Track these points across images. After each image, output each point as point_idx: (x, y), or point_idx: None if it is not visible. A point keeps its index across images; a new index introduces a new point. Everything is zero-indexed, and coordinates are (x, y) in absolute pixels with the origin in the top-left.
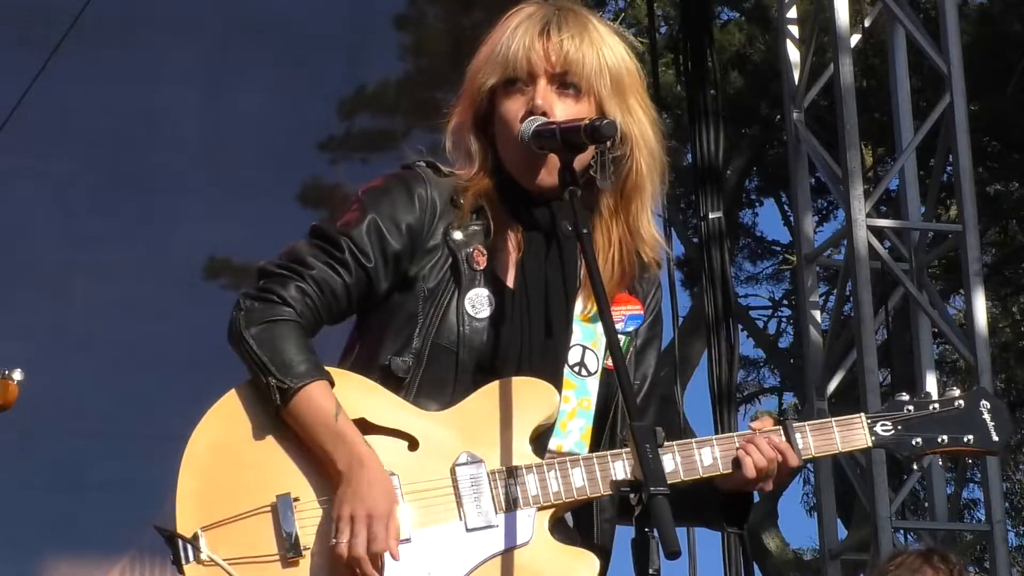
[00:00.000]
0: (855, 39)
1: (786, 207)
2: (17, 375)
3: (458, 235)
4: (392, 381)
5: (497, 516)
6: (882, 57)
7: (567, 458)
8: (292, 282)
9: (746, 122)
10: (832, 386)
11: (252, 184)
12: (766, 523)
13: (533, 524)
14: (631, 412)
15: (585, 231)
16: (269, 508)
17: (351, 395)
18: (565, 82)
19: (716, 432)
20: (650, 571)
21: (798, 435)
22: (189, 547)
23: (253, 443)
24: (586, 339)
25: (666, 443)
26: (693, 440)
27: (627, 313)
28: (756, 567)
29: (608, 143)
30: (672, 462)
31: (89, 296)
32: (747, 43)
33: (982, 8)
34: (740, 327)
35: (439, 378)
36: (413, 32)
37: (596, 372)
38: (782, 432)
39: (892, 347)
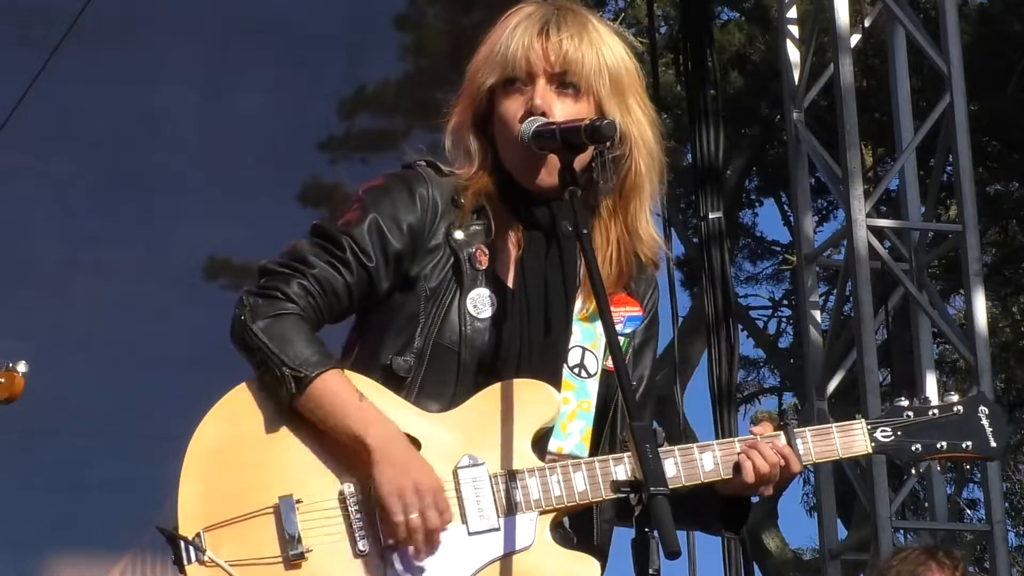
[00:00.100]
0: (855, 39)
1: (786, 207)
2: (22, 367)
3: (459, 235)
4: (393, 381)
5: (499, 519)
6: (882, 57)
7: (569, 462)
8: (294, 280)
9: (746, 122)
10: (832, 386)
11: (252, 184)
12: (766, 523)
13: (535, 528)
14: (631, 412)
15: (585, 231)
16: (271, 509)
17: None
18: (564, 82)
19: (716, 432)
20: (650, 571)
21: (799, 440)
22: (191, 548)
23: (255, 443)
24: (585, 340)
25: (668, 448)
26: (695, 445)
27: (626, 314)
28: (756, 567)
29: (608, 143)
30: (674, 467)
31: (89, 296)
32: (747, 43)
33: (982, 8)
34: (740, 327)
35: (441, 378)
36: (413, 32)
37: (596, 374)
38: (783, 437)
39: (892, 347)
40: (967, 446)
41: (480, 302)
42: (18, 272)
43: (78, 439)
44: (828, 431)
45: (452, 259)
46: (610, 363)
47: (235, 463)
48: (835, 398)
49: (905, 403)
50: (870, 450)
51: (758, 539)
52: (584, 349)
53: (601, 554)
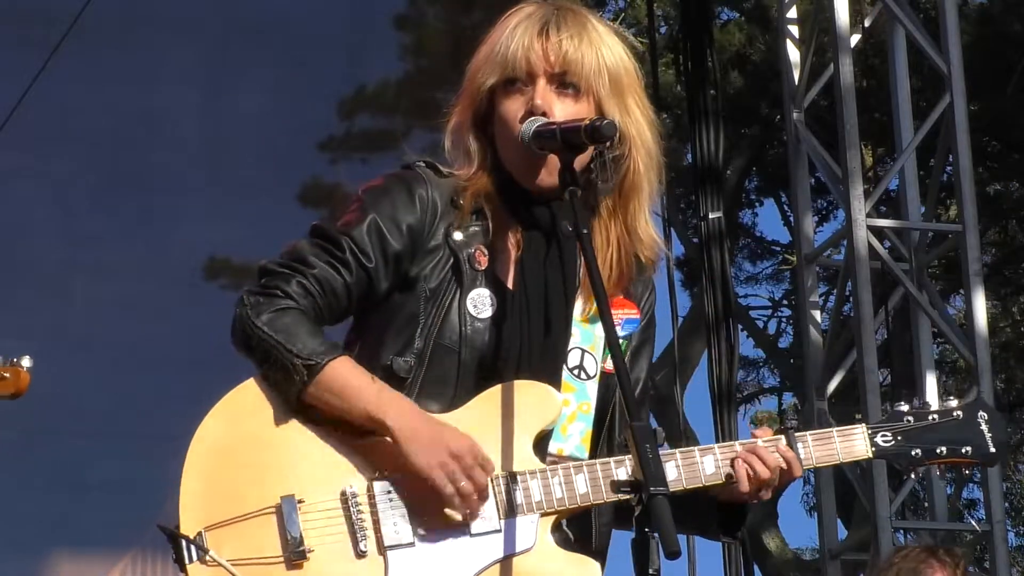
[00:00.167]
0: (855, 39)
1: (786, 207)
2: (26, 362)
3: (459, 235)
4: (394, 381)
5: (500, 521)
6: (882, 57)
7: (571, 464)
8: (294, 279)
9: (746, 122)
10: (832, 386)
11: (252, 184)
12: (766, 523)
13: (536, 530)
14: (631, 412)
15: (585, 231)
16: (273, 509)
17: None
18: (564, 82)
19: (716, 431)
20: (650, 571)
21: (800, 444)
22: (192, 547)
23: (256, 442)
24: (584, 342)
25: (669, 451)
26: (696, 448)
27: (624, 317)
28: (756, 567)
29: (607, 143)
30: (675, 470)
31: (89, 296)
32: (747, 43)
33: (982, 8)
34: (740, 327)
35: (441, 378)
36: (413, 32)
37: (595, 376)
38: (784, 441)
39: (892, 347)
40: (966, 451)
41: (480, 302)
42: (18, 272)
43: (78, 439)
44: (829, 435)
45: (451, 259)
46: (608, 365)
47: (237, 462)
48: (835, 398)
49: (905, 408)
50: (871, 455)
51: (758, 539)
52: (583, 351)
53: (600, 556)
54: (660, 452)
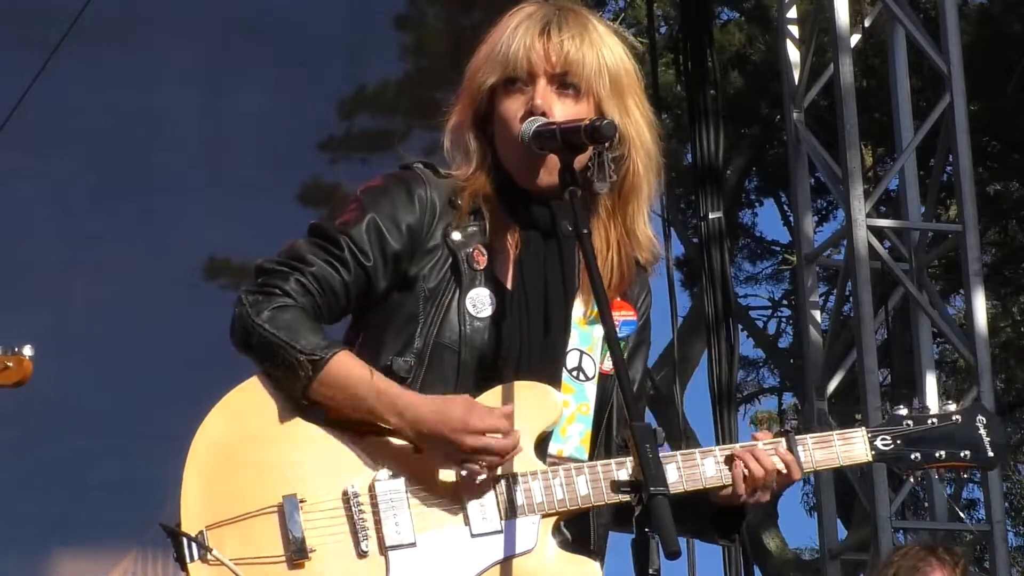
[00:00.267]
0: (855, 39)
1: (786, 207)
2: (27, 350)
3: (457, 235)
4: (394, 381)
5: (502, 522)
6: (882, 57)
7: (572, 465)
8: (292, 277)
9: (746, 122)
10: (832, 386)
11: (252, 184)
12: (766, 523)
13: (537, 531)
14: (631, 412)
15: (585, 231)
16: (275, 508)
17: None
18: (565, 82)
19: (716, 431)
20: (650, 571)
21: (800, 448)
22: (194, 545)
23: (258, 441)
24: (583, 343)
25: (670, 453)
26: (697, 450)
27: (621, 319)
28: (756, 567)
29: (607, 143)
30: (676, 472)
31: (89, 296)
32: (747, 43)
33: (982, 8)
34: (740, 327)
35: (441, 378)
36: (413, 32)
37: (593, 377)
38: (784, 443)
39: (892, 347)
40: (965, 455)
41: (479, 301)
42: (18, 272)
43: (78, 439)
44: (829, 439)
45: (450, 259)
46: (605, 366)
47: (238, 461)
48: (835, 398)
49: (904, 411)
50: (870, 458)
51: (758, 539)
52: (582, 352)
53: (597, 557)
54: (660, 454)
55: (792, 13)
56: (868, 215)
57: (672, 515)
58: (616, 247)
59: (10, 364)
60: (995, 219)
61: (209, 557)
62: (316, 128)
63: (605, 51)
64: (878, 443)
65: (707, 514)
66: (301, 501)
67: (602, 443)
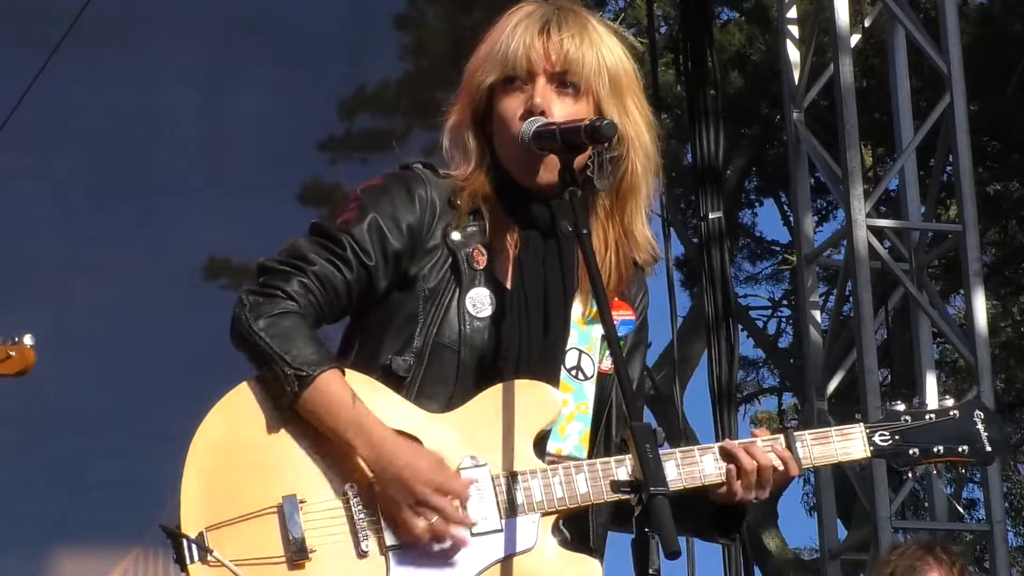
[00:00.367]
0: (855, 39)
1: (786, 207)
2: (28, 339)
3: (456, 235)
4: (393, 380)
5: (501, 521)
6: (882, 57)
7: (571, 463)
8: (294, 277)
9: (746, 122)
10: (832, 386)
11: (252, 184)
12: (766, 523)
13: (537, 529)
14: (631, 412)
15: (585, 231)
16: (275, 509)
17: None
18: (564, 81)
19: (716, 432)
20: (650, 571)
21: (798, 444)
22: (194, 546)
23: (258, 442)
24: (582, 343)
25: (668, 450)
26: (696, 448)
27: (619, 319)
28: (756, 567)
29: (606, 144)
30: (675, 470)
31: (89, 296)
32: (747, 43)
33: (982, 8)
34: (740, 327)
35: (441, 377)
36: (413, 32)
37: (592, 376)
38: (783, 440)
39: (892, 347)
40: (963, 450)
41: (479, 301)
42: (18, 272)
43: (78, 439)
44: (827, 435)
45: (450, 259)
46: (604, 365)
47: (238, 461)
48: (835, 398)
49: (902, 407)
50: (869, 454)
51: (758, 539)
52: (580, 352)
53: (597, 555)
54: (659, 452)
55: (792, 13)
56: (868, 215)
57: (672, 514)
58: (614, 247)
59: (12, 353)
60: (995, 219)
61: (209, 558)
62: (316, 128)
63: (604, 51)
64: (876, 439)
65: (707, 513)
66: (301, 501)
67: (601, 442)
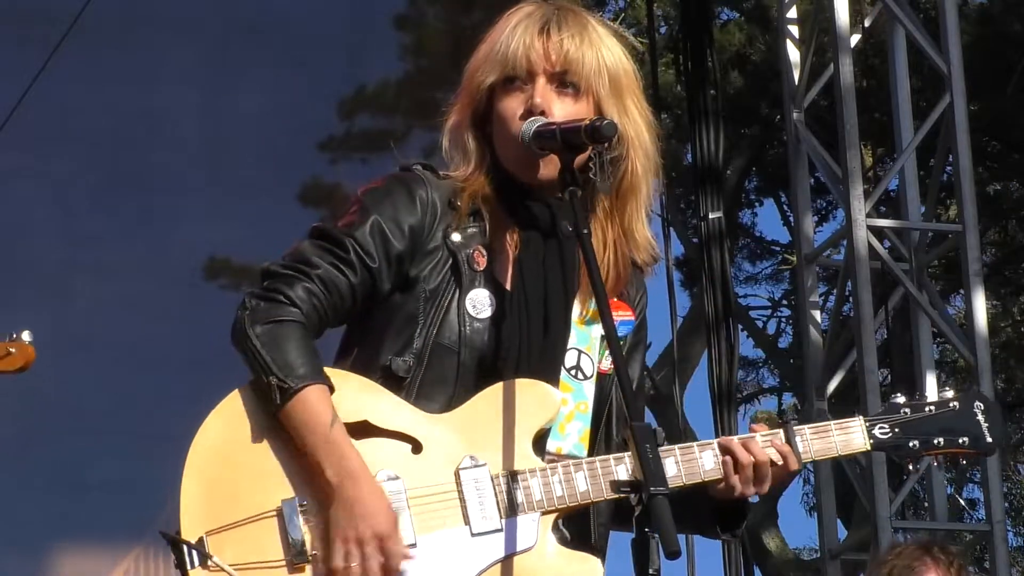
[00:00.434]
0: (855, 39)
1: (786, 207)
2: (26, 336)
3: (457, 237)
4: (393, 381)
5: (502, 520)
6: (882, 57)
7: (570, 462)
8: (299, 283)
9: (746, 122)
10: (832, 386)
11: (252, 184)
12: (766, 523)
13: (537, 529)
14: (631, 412)
15: (585, 231)
16: (274, 512)
17: (354, 396)
18: (564, 81)
19: (716, 432)
20: (650, 571)
21: (798, 438)
22: (194, 552)
23: (257, 446)
24: (581, 343)
25: (668, 446)
26: (695, 444)
27: (619, 319)
28: (756, 567)
29: (607, 144)
30: (674, 466)
31: (89, 296)
32: (747, 43)
33: (982, 8)
34: (740, 327)
35: (440, 378)
36: (413, 32)
37: (592, 376)
38: (782, 435)
39: (892, 347)
40: (963, 442)
41: (479, 302)
42: (18, 272)
43: (78, 439)
44: (827, 428)
45: (450, 260)
46: (603, 365)
47: (237, 466)
48: (835, 398)
49: (902, 400)
50: (868, 447)
51: (758, 539)
52: (580, 351)
53: (599, 554)
54: (659, 450)
55: (792, 13)
56: (868, 215)
57: (673, 512)
58: (613, 247)
59: (12, 350)
60: (995, 219)
61: (210, 563)
62: (316, 128)
63: (604, 51)
64: (876, 431)
65: (708, 510)
66: (300, 504)
67: (602, 441)
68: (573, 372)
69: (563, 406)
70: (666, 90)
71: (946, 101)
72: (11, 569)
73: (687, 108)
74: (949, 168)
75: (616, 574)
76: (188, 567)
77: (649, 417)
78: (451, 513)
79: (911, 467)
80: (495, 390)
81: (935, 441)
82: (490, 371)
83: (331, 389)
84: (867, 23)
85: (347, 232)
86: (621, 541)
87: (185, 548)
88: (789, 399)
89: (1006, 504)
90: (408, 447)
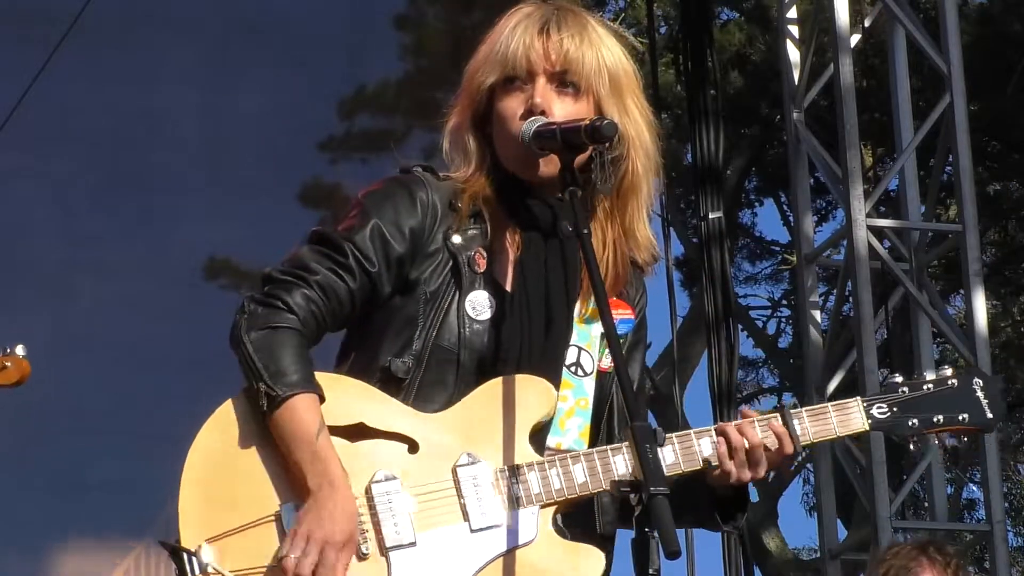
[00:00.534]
0: (855, 39)
1: (786, 207)
2: (20, 350)
3: (457, 239)
4: (392, 383)
5: (501, 516)
6: (882, 57)
7: (568, 455)
8: (298, 288)
9: (746, 122)
10: (832, 386)
11: (252, 184)
12: (766, 523)
13: (537, 522)
14: (631, 411)
15: (586, 231)
16: (273, 517)
17: (349, 399)
18: (564, 81)
19: None
20: (650, 571)
21: (795, 421)
22: (194, 559)
23: (254, 452)
24: (581, 341)
25: (665, 435)
26: (692, 431)
27: (618, 318)
28: (756, 567)
29: (607, 143)
30: (672, 454)
31: (89, 296)
32: (747, 43)
33: (982, 8)
34: (740, 327)
35: (440, 380)
36: (413, 32)
37: (592, 373)
38: (779, 418)
39: (892, 347)
40: (963, 418)
41: (479, 304)
42: (18, 272)
43: (78, 439)
44: (824, 410)
45: (451, 262)
46: (603, 364)
47: (234, 472)
48: (835, 398)
49: (900, 379)
50: (867, 427)
51: (758, 539)
52: (580, 349)
53: (609, 542)
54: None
55: (792, 13)
56: (868, 215)
57: (672, 505)
58: (613, 247)
59: (8, 364)
60: (995, 219)
61: (210, 571)
62: (316, 128)
63: (604, 51)
64: (874, 411)
65: (706, 500)
66: (298, 508)
67: (604, 439)
68: (573, 369)
69: (562, 402)
70: (666, 90)
71: (946, 101)
72: (11, 569)
73: (687, 108)
74: (949, 168)
75: (616, 574)
76: (189, 575)
77: (649, 417)
78: (450, 510)
79: (911, 446)
80: (490, 387)
81: (934, 419)
82: (490, 372)
83: (321, 398)
84: (867, 23)
85: (346, 237)
86: (621, 541)
87: (186, 557)
88: (789, 399)
89: (1006, 504)
90: (404, 447)
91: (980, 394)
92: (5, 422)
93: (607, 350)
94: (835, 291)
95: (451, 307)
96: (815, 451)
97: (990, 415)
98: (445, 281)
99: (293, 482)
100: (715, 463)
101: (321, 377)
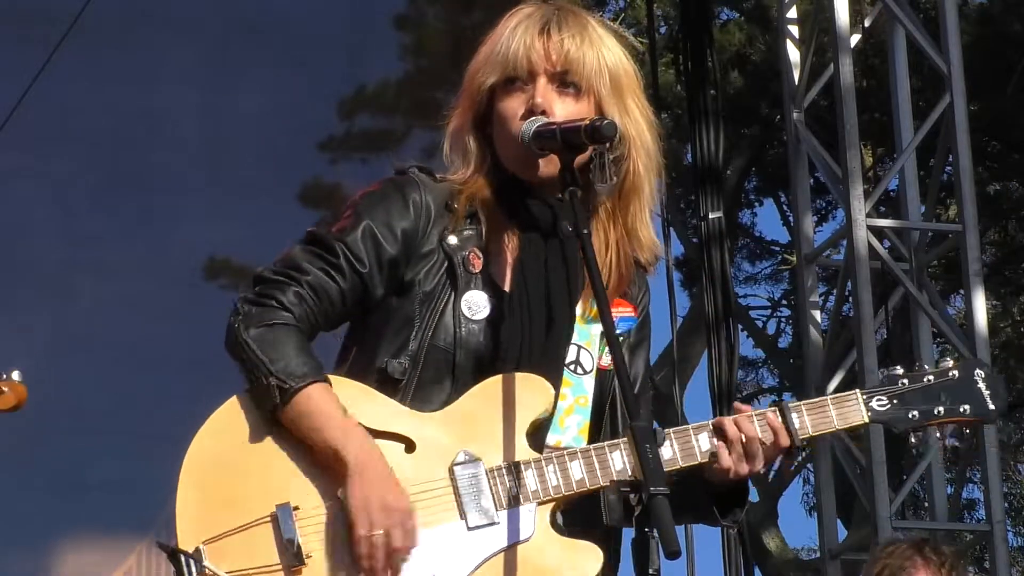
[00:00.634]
0: (855, 39)
1: (785, 207)
2: (16, 375)
3: (453, 239)
4: (389, 383)
5: (498, 513)
6: (882, 57)
7: (565, 451)
8: (290, 288)
9: (746, 122)
10: (832, 386)
11: (252, 184)
12: (766, 523)
13: (535, 519)
14: (630, 411)
15: (586, 231)
16: (269, 518)
17: (346, 400)
18: (565, 81)
19: None
20: (650, 571)
21: (794, 415)
22: (192, 562)
23: (250, 453)
24: (580, 339)
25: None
26: (690, 426)
27: (620, 316)
28: (756, 567)
29: (607, 144)
30: (670, 449)
31: (89, 296)
32: (747, 43)
33: (982, 8)
34: (740, 327)
35: (436, 380)
36: (413, 32)
37: (591, 371)
38: (778, 412)
39: (892, 347)
40: (965, 410)
41: (475, 304)
42: (18, 272)
43: (78, 439)
44: (823, 403)
45: (446, 263)
46: (603, 362)
47: (231, 474)
48: None
49: (900, 371)
50: (866, 419)
51: (758, 539)
52: (579, 347)
53: (615, 535)
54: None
55: (792, 13)
56: (868, 215)
57: (671, 501)
58: (615, 248)
59: (5, 389)
60: (995, 219)
61: (207, 572)
62: (316, 128)
63: (605, 51)
64: (874, 404)
65: (705, 495)
66: (295, 508)
67: (606, 436)
68: (572, 367)
69: (562, 400)
70: (666, 90)
71: (946, 101)
72: (12, 569)
73: (687, 108)
74: (949, 168)
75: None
76: None
77: None
78: (446, 509)
79: (912, 439)
80: (488, 385)
81: (935, 411)
82: (488, 372)
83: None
84: (867, 23)
85: (338, 237)
86: (621, 541)
87: (183, 558)
88: (789, 399)
89: (1006, 504)
90: (401, 447)
91: (982, 385)
92: (5, 422)
93: (607, 348)
94: (835, 291)
95: (447, 307)
96: (815, 451)
97: (992, 406)
98: (440, 282)
99: (299, 478)
100: (712, 458)
101: None
